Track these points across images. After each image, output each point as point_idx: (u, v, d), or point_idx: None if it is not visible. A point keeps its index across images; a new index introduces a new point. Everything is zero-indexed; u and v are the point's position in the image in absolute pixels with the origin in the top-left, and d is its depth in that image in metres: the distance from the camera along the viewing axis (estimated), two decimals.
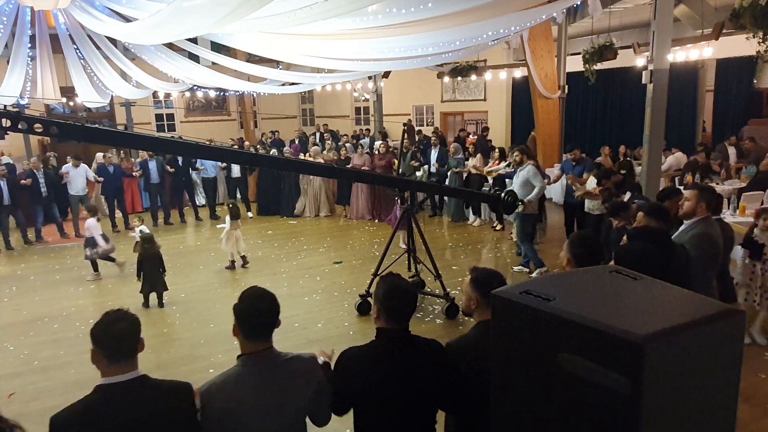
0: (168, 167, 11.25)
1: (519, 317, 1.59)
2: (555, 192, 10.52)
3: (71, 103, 14.80)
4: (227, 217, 8.10)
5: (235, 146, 11.94)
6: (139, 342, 1.98)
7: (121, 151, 12.33)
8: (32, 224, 10.29)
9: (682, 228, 3.76)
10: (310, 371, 2.21)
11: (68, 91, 13.02)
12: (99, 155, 11.62)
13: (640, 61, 9.72)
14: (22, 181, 9.83)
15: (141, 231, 7.92)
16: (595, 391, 1.35)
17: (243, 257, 8.19)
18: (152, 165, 11.10)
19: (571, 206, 7.92)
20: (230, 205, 8.17)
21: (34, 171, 10.11)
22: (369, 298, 6.25)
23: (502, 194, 6.10)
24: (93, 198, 11.13)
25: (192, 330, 6.00)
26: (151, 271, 6.70)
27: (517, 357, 1.62)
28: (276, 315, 2.15)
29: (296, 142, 16.40)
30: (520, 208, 6.43)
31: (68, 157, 10.67)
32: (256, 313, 2.10)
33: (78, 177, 10.47)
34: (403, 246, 8.00)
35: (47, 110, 14.76)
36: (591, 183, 7.29)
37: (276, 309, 2.14)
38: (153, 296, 6.73)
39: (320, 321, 6.08)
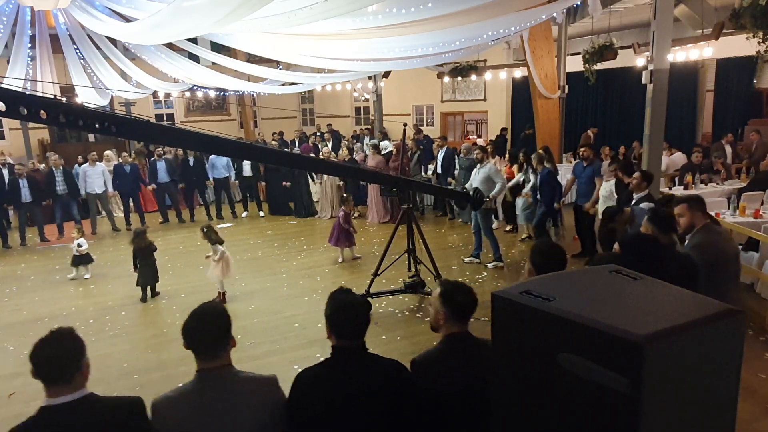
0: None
1: (519, 317, 1.59)
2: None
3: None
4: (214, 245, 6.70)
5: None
6: (77, 365, 1.88)
7: (132, 151, 12.35)
8: (49, 222, 10.49)
9: (686, 243, 3.72)
10: (266, 393, 2.09)
11: (68, 91, 13.01)
12: (108, 153, 11.57)
13: (640, 61, 9.72)
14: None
15: (79, 244, 7.74)
16: (595, 391, 1.36)
17: (223, 294, 6.88)
18: (160, 165, 11.15)
19: (580, 208, 7.95)
20: (205, 230, 6.62)
21: (53, 169, 10.26)
22: (369, 298, 6.26)
23: (471, 192, 6.57)
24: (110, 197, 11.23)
25: None
26: (144, 264, 6.79)
27: (517, 357, 1.63)
28: (225, 331, 2.06)
29: (295, 142, 16.37)
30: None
31: (79, 157, 10.72)
32: (203, 330, 2.02)
33: (95, 176, 10.57)
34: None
35: None
36: (603, 189, 7.30)
37: (224, 325, 2.06)
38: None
39: (320, 321, 5.97)
